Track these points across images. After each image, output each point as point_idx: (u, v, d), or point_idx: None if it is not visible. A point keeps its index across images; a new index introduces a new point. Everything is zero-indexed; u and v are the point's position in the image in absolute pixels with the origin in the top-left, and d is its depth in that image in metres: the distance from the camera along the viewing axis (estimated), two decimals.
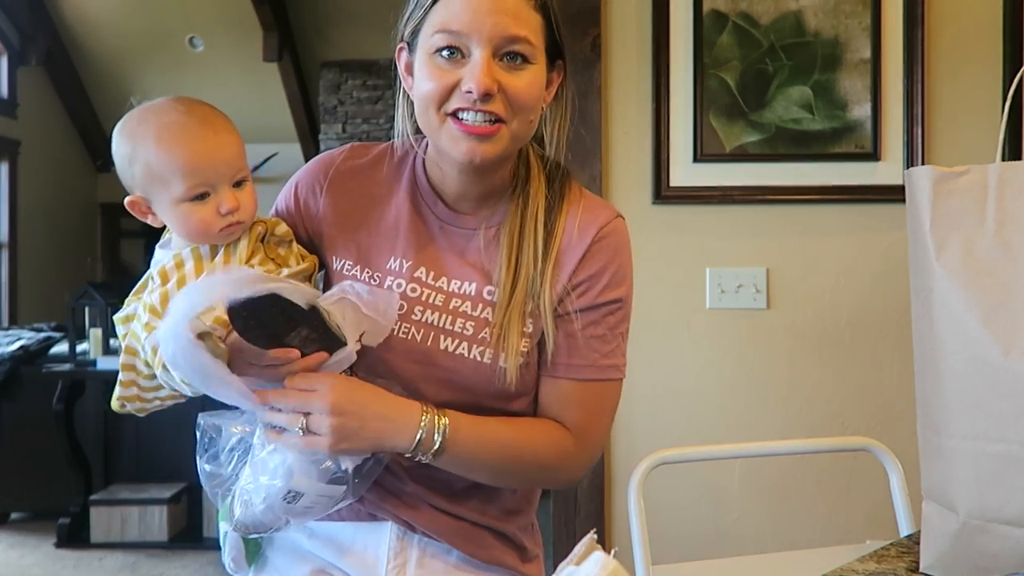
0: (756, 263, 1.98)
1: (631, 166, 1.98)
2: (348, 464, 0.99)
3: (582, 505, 1.98)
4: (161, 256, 1.03)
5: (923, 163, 1.90)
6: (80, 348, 4.13)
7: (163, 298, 0.97)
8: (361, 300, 0.98)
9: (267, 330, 0.92)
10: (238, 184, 1.00)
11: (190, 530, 3.97)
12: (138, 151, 0.98)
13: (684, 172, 1.96)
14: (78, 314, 4.18)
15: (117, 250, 8.82)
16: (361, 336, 0.98)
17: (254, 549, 1.12)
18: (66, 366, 4.04)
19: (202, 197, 0.98)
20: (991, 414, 0.88)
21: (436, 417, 0.98)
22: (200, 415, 1.05)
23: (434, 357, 1.03)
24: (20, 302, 7.27)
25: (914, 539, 1.05)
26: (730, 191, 1.96)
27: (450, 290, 1.05)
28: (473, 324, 1.04)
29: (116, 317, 1.04)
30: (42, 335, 4.57)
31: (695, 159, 1.95)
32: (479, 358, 1.03)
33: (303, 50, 7.58)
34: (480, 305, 1.04)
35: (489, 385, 1.03)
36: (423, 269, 1.06)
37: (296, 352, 0.93)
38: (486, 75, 0.95)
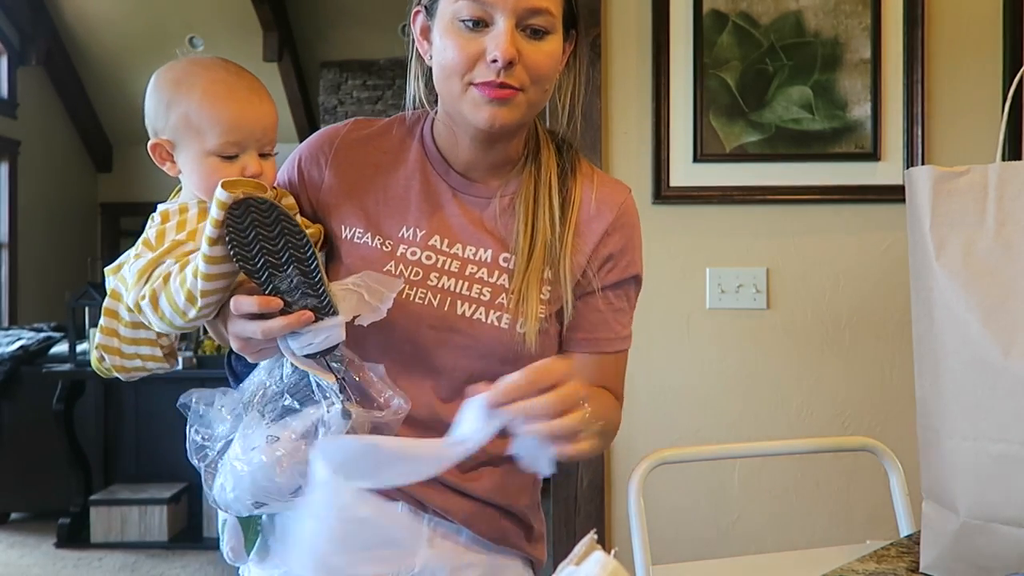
0: (756, 263, 1.98)
1: (631, 166, 1.98)
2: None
3: (582, 505, 1.98)
4: (164, 206, 1.03)
5: (923, 163, 1.90)
6: (80, 348, 4.13)
7: (159, 235, 0.98)
8: (368, 288, 0.98)
9: (260, 249, 0.90)
10: (264, 155, 1.03)
11: (190, 530, 3.98)
12: (180, 98, 0.99)
13: (684, 172, 1.96)
14: (78, 314, 4.19)
15: (117, 250, 8.81)
16: (355, 319, 0.97)
17: (253, 537, 1.10)
18: (66, 366, 4.04)
19: (230, 157, 1.00)
20: (991, 414, 0.88)
21: None
22: (184, 395, 1.04)
23: (452, 322, 1.04)
24: (20, 302, 7.27)
25: (914, 539, 1.05)
26: (730, 191, 1.96)
27: (465, 256, 1.06)
28: (490, 290, 1.04)
29: (107, 269, 1.03)
30: (42, 335, 4.58)
31: (695, 159, 1.95)
32: (496, 323, 1.03)
33: (303, 50, 7.59)
34: (497, 272, 1.05)
35: (507, 351, 1.03)
36: (437, 237, 1.07)
37: (279, 302, 0.93)
38: (510, 44, 0.96)
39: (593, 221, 1.08)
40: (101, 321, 1.01)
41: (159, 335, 1.01)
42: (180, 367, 3.86)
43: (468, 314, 1.04)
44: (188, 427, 1.04)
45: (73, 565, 3.69)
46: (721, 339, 1.98)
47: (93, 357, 1.04)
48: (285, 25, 7.28)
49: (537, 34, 0.99)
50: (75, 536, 3.93)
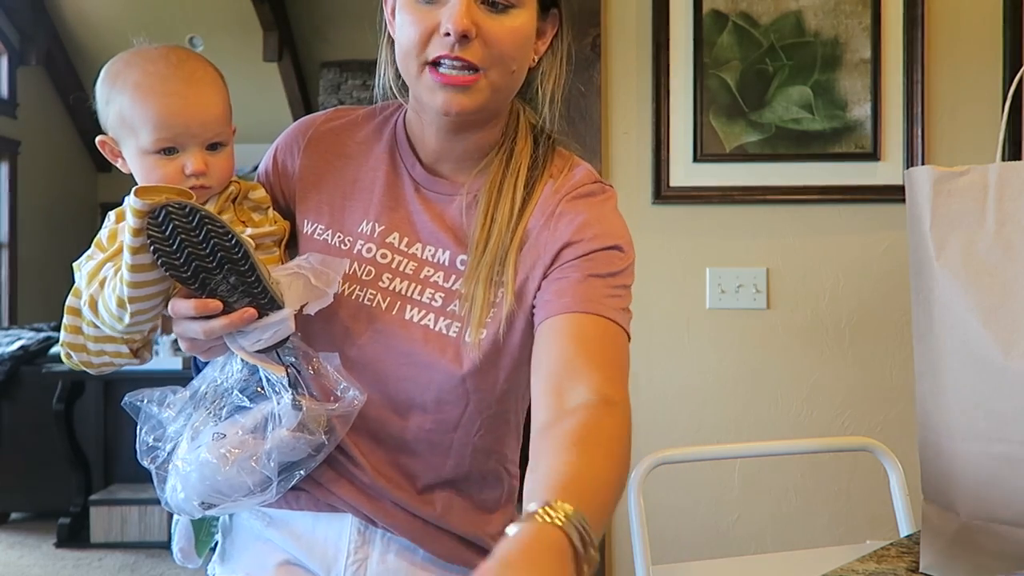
0: (756, 263, 1.97)
1: (631, 166, 1.98)
2: (273, 476, 0.95)
3: None
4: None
5: (923, 163, 1.90)
6: None
7: (111, 235, 0.94)
8: (313, 271, 0.94)
9: (188, 256, 0.87)
10: (213, 147, 0.97)
11: None
12: (115, 93, 0.96)
13: (684, 172, 1.96)
14: None
15: None
16: (303, 307, 0.94)
17: (205, 539, 1.08)
18: (66, 366, 4.03)
19: (169, 152, 0.95)
20: (991, 414, 0.88)
21: (553, 513, 0.70)
22: (129, 395, 1.01)
23: (397, 327, 0.99)
24: (20, 302, 7.27)
25: (914, 539, 1.05)
26: (730, 191, 1.96)
27: (423, 258, 1.01)
28: (443, 296, 0.99)
29: (75, 264, 0.98)
30: (42, 335, 4.57)
31: (695, 159, 1.95)
32: (445, 331, 0.98)
33: (303, 50, 7.59)
34: (452, 276, 1.00)
35: (451, 362, 0.97)
36: (396, 234, 1.02)
37: (218, 304, 0.89)
38: (464, 15, 0.90)
39: (546, 209, 1.00)
40: (64, 319, 0.98)
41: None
42: (180, 367, 3.86)
43: (416, 319, 0.99)
44: (139, 428, 1.01)
45: (73, 565, 3.69)
46: (721, 339, 1.98)
47: (62, 354, 1.00)
48: (285, 25, 7.28)
49: (498, 7, 0.92)
50: (75, 536, 3.92)
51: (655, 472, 1.34)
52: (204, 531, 1.07)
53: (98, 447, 4.15)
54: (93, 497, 3.93)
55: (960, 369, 0.90)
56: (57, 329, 5.08)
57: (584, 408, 0.86)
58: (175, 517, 1.06)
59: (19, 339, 4.43)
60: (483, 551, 1.03)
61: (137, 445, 1.01)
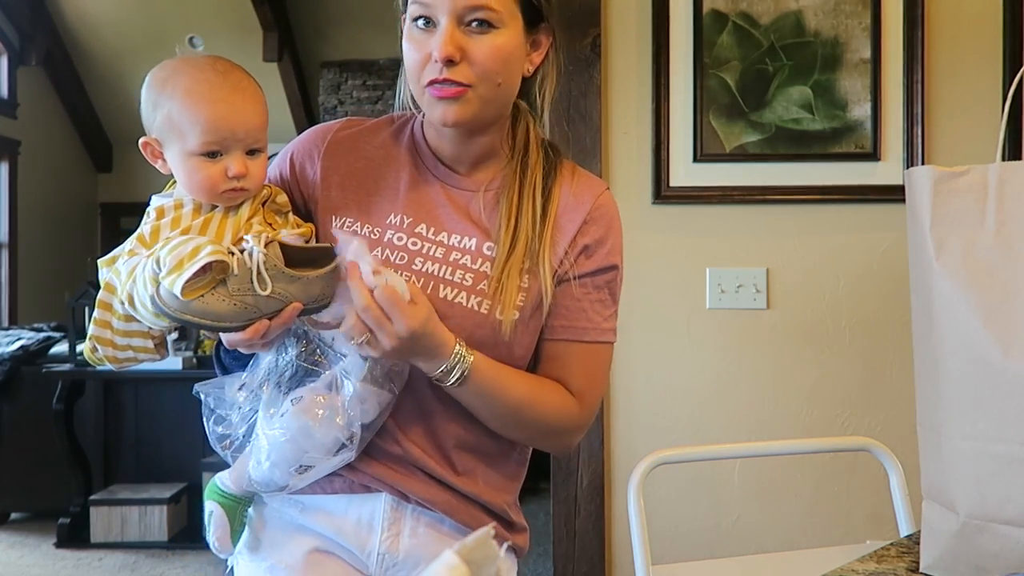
0: (756, 263, 1.97)
1: (631, 166, 1.98)
2: (356, 429, 1.02)
3: (582, 505, 1.98)
4: (160, 200, 1.04)
5: (923, 163, 1.90)
6: (80, 348, 4.13)
7: (153, 231, 0.99)
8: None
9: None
10: (252, 153, 1.02)
11: (190, 530, 3.97)
12: (164, 98, 1.01)
13: (684, 172, 1.96)
14: (78, 314, 4.18)
15: None
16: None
17: (239, 528, 1.12)
18: (66, 366, 4.04)
19: (213, 155, 1.00)
20: (991, 414, 0.88)
21: (465, 351, 1.03)
22: (197, 384, 1.07)
23: (434, 305, 1.05)
24: (20, 302, 7.27)
25: (914, 539, 1.05)
26: (730, 191, 1.96)
27: (450, 244, 1.09)
28: (472, 276, 1.08)
29: (100, 260, 1.03)
30: (42, 335, 4.58)
31: (695, 159, 1.95)
32: (477, 308, 1.07)
33: (303, 50, 7.59)
34: (480, 259, 1.09)
35: (486, 336, 1.06)
36: (424, 225, 1.10)
37: (266, 323, 0.96)
38: (447, 43, 1.01)
39: (571, 213, 1.11)
40: (95, 313, 1.03)
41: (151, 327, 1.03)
42: (180, 367, 3.86)
43: (450, 298, 1.07)
44: (205, 421, 1.07)
45: (73, 565, 3.69)
46: (721, 339, 1.98)
47: (86, 347, 1.05)
48: (285, 25, 7.28)
49: (482, 29, 1.02)
50: (75, 536, 3.92)
51: (655, 472, 1.34)
52: (237, 520, 1.12)
53: (98, 447, 4.15)
54: (93, 497, 3.93)
55: (960, 369, 0.90)
56: (57, 329, 5.11)
57: (564, 388, 1.12)
58: (207, 509, 1.11)
59: (19, 339, 4.43)
60: (502, 519, 1.15)
61: (208, 436, 1.07)
